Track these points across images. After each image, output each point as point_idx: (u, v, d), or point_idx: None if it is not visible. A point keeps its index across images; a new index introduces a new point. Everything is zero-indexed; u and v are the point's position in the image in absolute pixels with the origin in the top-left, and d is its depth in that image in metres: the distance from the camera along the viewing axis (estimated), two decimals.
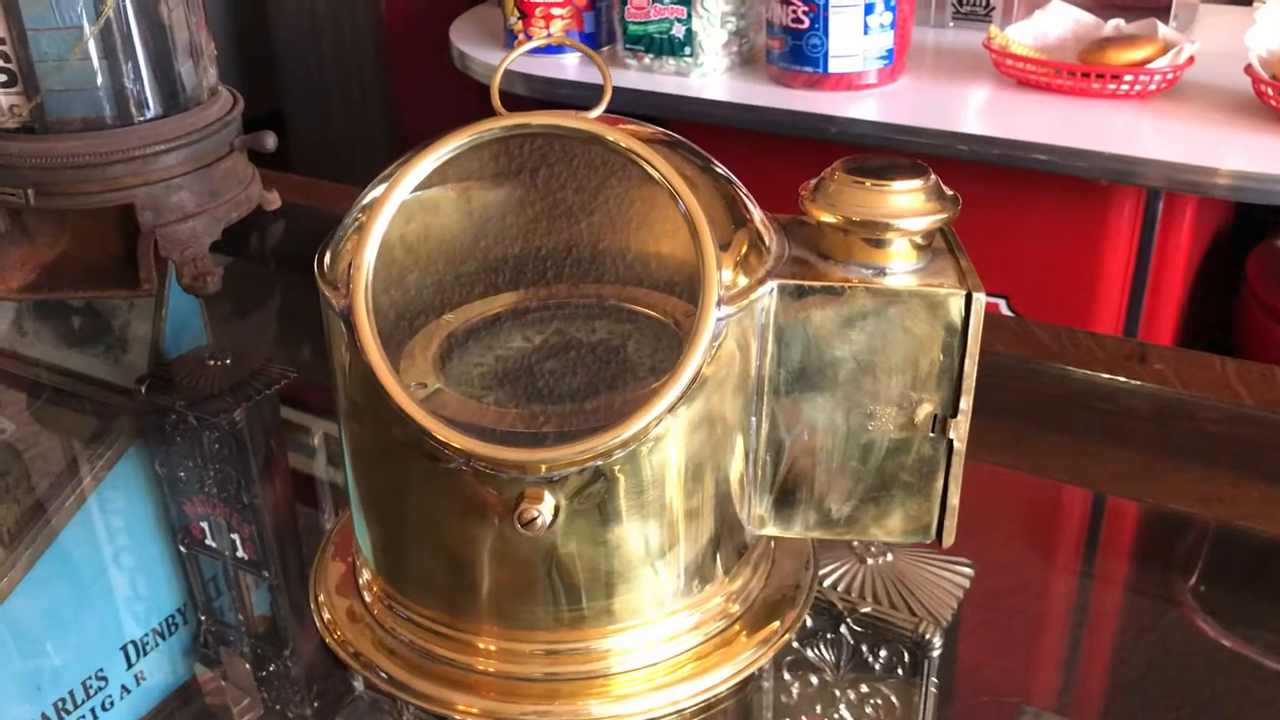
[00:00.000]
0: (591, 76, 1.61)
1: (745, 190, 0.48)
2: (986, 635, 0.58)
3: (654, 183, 0.45)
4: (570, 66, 1.64)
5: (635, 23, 1.53)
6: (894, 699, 0.52)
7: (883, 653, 0.54)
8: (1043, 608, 0.62)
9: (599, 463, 0.42)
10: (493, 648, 0.48)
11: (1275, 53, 1.34)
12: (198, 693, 0.58)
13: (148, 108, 0.78)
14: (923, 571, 0.58)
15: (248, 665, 0.58)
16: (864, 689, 0.52)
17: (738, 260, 0.45)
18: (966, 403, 0.46)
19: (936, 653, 0.54)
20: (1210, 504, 0.64)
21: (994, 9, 1.68)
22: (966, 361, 0.45)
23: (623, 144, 0.43)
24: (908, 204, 0.44)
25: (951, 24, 1.73)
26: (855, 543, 0.58)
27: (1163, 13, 1.55)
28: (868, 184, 0.45)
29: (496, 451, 0.41)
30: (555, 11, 1.60)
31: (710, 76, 1.53)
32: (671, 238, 0.50)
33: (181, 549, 0.64)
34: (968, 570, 0.58)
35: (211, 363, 0.81)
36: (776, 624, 0.51)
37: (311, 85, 2.35)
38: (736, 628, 0.50)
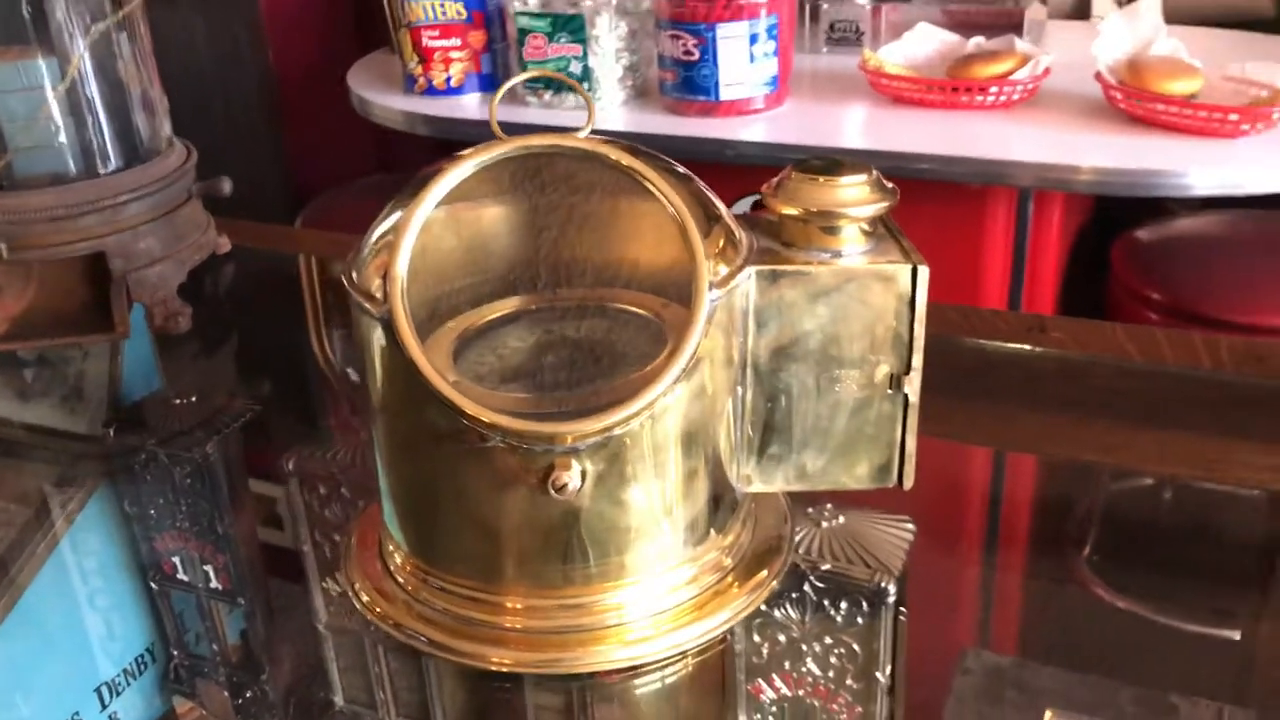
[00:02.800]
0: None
1: (712, 192, 0.55)
2: (926, 585, 0.65)
3: (625, 193, 0.52)
4: (471, 107, 1.71)
5: (534, 62, 1.60)
6: (855, 647, 0.58)
7: (843, 605, 0.60)
8: (972, 558, 0.70)
9: (618, 431, 0.49)
10: (519, 606, 0.54)
11: (1120, 61, 1.48)
12: None
13: (109, 161, 0.82)
14: (872, 530, 0.65)
15: (225, 693, 0.60)
16: (828, 640, 0.58)
17: (716, 252, 0.52)
18: (918, 360, 0.54)
19: (892, 599, 0.60)
20: (1113, 452, 0.73)
21: (863, 34, 1.80)
22: (916, 325, 0.53)
23: (613, 158, 0.51)
24: (856, 195, 0.52)
25: (825, 49, 1.84)
26: (809, 509, 0.65)
27: (1016, 30, 1.68)
28: (820, 180, 0.52)
29: (533, 426, 0.47)
30: (454, 55, 1.67)
31: (609, 109, 1.61)
32: (643, 241, 0.57)
33: (153, 586, 0.66)
34: (910, 526, 0.66)
35: (178, 402, 0.85)
36: (764, 573, 0.58)
37: (201, 141, 2.36)
38: (729, 579, 0.57)
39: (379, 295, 0.50)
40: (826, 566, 0.62)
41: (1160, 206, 1.83)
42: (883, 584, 0.61)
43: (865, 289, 0.52)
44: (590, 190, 0.56)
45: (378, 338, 0.51)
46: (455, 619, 0.54)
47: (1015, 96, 1.52)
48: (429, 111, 1.69)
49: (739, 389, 0.54)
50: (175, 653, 0.63)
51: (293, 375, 0.96)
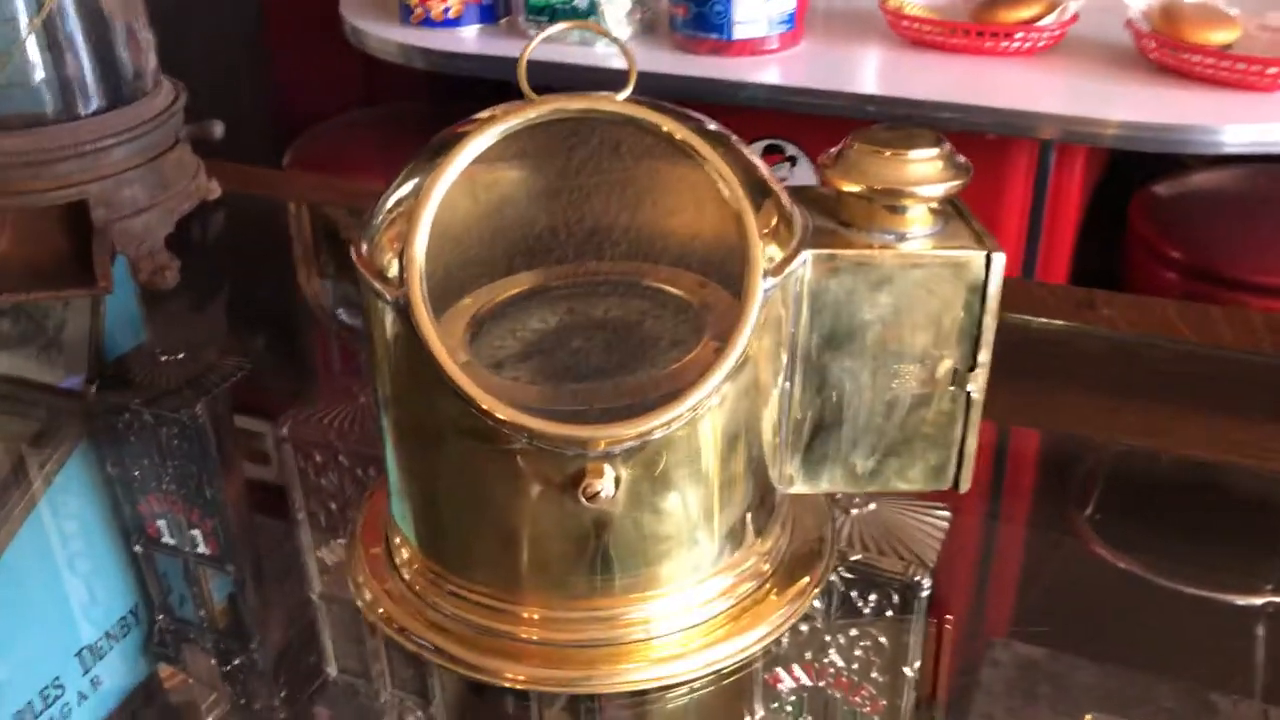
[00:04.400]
0: (489, 49, 1.60)
1: (764, 164, 0.50)
2: (960, 575, 0.61)
3: (663, 157, 0.47)
4: (469, 40, 1.63)
5: None
6: (883, 640, 0.54)
7: (872, 597, 0.56)
8: (1011, 547, 0.67)
9: (657, 435, 0.44)
10: (538, 617, 0.49)
11: (1153, 7, 1.41)
12: (158, 693, 0.58)
13: (91, 101, 0.76)
14: (904, 518, 0.61)
15: (212, 660, 0.58)
16: (854, 632, 0.55)
17: (770, 232, 0.46)
18: (985, 356, 0.49)
19: (925, 593, 0.57)
20: (1157, 437, 0.69)
21: None
22: (986, 317, 0.48)
23: (665, 129, 0.45)
24: (926, 172, 0.47)
25: None
26: (838, 494, 0.61)
27: None
28: (887, 154, 0.47)
29: (565, 430, 0.42)
30: None
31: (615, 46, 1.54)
32: (680, 210, 0.51)
33: (137, 549, 0.64)
34: (945, 514, 0.61)
35: (164, 358, 0.81)
36: (806, 579, 0.54)
37: (183, 76, 2.27)
38: (768, 586, 0.53)
39: (393, 277, 0.44)
40: (856, 557, 0.58)
41: (1177, 160, 1.77)
42: (916, 577, 0.57)
43: (933, 277, 0.47)
44: (625, 153, 0.50)
45: (390, 323, 0.46)
46: (469, 627, 0.50)
47: (1041, 43, 1.46)
48: (426, 44, 1.62)
49: (786, 383, 0.49)
50: (160, 616, 0.61)
51: (287, 330, 0.91)
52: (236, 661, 0.58)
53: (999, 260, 0.47)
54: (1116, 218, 1.65)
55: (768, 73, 1.46)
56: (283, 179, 1.01)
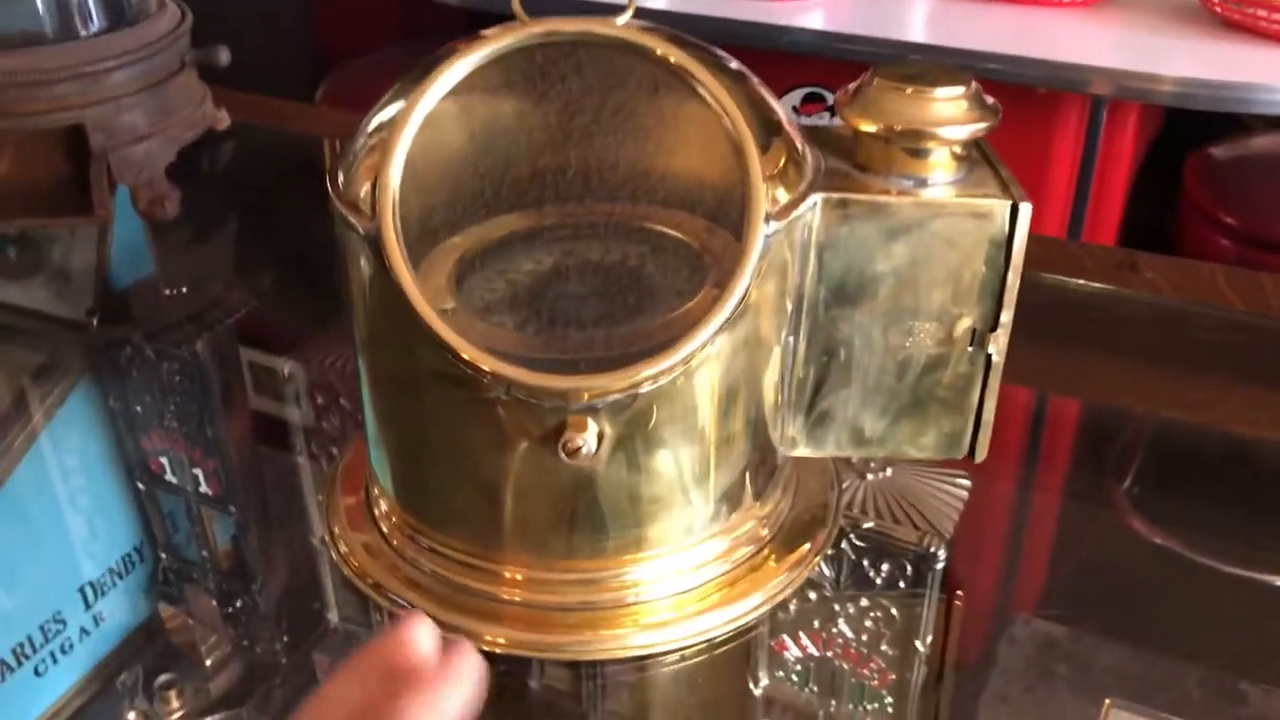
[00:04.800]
0: None
1: (774, 96, 0.46)
2: (981, 546, 0.58)
3: (670, 90, 0.43)
4: None
5: None
6: (894, 611, 0.52)
7: (884, 567, 0.54)
8: (1035, 517, 0.63)
9: (646, 388, 0.41)
10: (519, 577, 0.47)
11: None
12: (159, 631, 0.57)
13: (92, 21, 0.73)
14: (922, 486, 0.58)
15: (214, 601, 0.57)
16: (864, 603, 0.52)
17: (777, 173, 0.43)
18: (1007, 316, 0.45)
19: (940, 565, 0.54)
20: (1198, 410, 0.65)
21: None
22: (1010, 273, 0.44)
23: (658, 52, 0.41)
24: (951, 112, 0.43)
25: None
26: (854, 458, 0.58)
27: None
28: (908, 90, 0.43)
29: (545, 380, 0.39)
30: None
31: None
32: (688, 148, 0.48)
33: (139, 485, 0.62)
34: (965, 483, 0.58)
35: (167, 292, 0.79)
36: (806, 546, 0.51)
37: (224, 3, 2.24)
38: (766, 552, 0.50)
39: (366, 207, 0.41)
40: (869, 524, 0.55)
41: (1236, 120, 1.70)
42: (931, 548, 0.54)
43: (953, 227, 0.44)
44: (630, 84, 0.47)
45: (364, 258, 0.42)
46: (447, 586, 0.47)
47: None
48: None
49: (790, 338, 0.46)
50: (163, 555, 0.60)
51: (310, 267, 0.88)
52: (238, 604, 0.57)
53: (1025, 211, 0.43)
54: (1170, 179, 1.58)
55: (811, 17, 1.41)
56: (298, 111, 0.97)
